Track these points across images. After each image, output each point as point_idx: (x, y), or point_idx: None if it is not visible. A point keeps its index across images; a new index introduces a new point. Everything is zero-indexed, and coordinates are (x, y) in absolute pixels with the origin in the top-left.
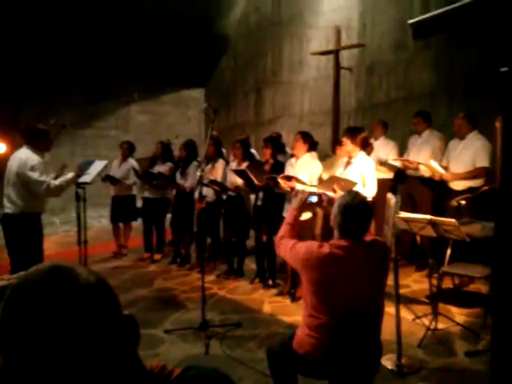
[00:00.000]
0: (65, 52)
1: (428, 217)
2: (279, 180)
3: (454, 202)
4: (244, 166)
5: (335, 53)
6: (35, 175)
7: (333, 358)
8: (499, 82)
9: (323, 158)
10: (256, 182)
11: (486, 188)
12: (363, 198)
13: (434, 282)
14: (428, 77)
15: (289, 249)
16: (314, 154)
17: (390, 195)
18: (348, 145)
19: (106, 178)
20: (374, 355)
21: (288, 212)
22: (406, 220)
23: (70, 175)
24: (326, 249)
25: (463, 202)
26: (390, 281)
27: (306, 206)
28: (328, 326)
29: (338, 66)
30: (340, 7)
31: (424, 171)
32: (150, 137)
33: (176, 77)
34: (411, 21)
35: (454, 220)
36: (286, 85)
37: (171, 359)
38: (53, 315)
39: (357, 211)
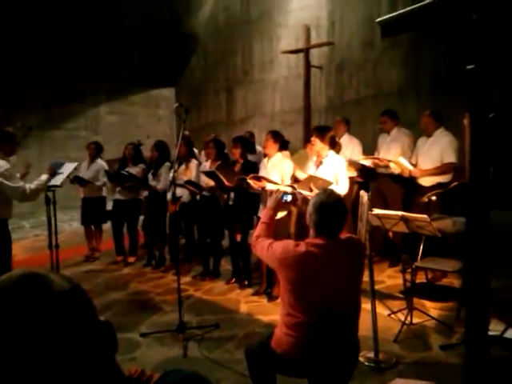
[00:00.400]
0: (30, 52)
1: (400, 213)
2: (249, 181)
3: (424, 198)
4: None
5: (305, 51)
6: (9, 182)
7: (311, 357)
8: (466, 80)
9: (292, 154)
10: (226, 182)
11: (455, 184)
12: (338, 196)
13: (408, 277)
14: (396, 74)
15: (265, 248)
16: (285, 153)
17: (362, 192)
18: (317, 144)
19: (74, 179)
20: (352, 352)
21: (263, 212)
22: (378, 217)
23: (43, 177)
24: (302, 247)
25: (434, 198)
26: (366, 277)
27: (281, 205)
28: (306, 324)
29: (308, 65)
30: (309, 6)
31: (394, 168)
32: (119, 137)
33: (145, 76)
34: (379, 19)
35: (425, 216)
36: (257, 84)
37: (148, 363)
38: (26, 323)
39: (332, 209)
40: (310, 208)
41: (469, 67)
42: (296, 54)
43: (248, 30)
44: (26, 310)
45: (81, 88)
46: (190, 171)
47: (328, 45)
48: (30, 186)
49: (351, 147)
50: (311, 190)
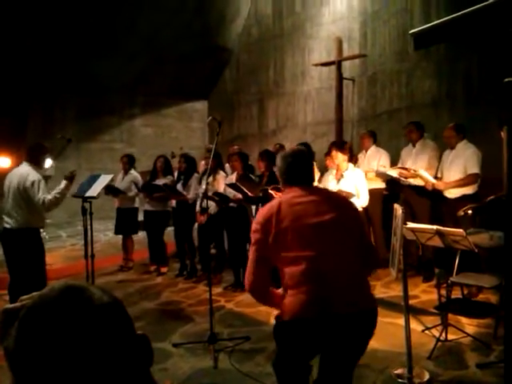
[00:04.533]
0: (66, 65)
1: (435, 227)
2: (270, 191)
3: (460, 212)
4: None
5: (337, 63)
6: (35, 192)
7: (323, 310)
8: (503, 92)
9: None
10: (249, 194)
11: (492, 197)
12: (300, 147)
13: (443, 292)
14: (430, 86)
15: (251, 252)
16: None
17: (397, 206)
18: (339, 156)
19: (107, 189)
20: (366, 306)
21: None
22: (413, 230)
23: (62, 184)
24: (277, 200)
25: (470, 212)
26: (399, 292)
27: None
28: (308, 276)
29: (340, 77)
30: (341, 18)
31: (418, 180)
32: (154, 149)
33: (179, 89)
34: (412, 31)
35: (461, 230)
36: (289, 95)
37: (180, 373)
38: (68, 336)
39: (298, 156)
40: (277, 163)
41: (506, 80)
42: (328, 67)
43: (280, 43)
44: (67, 322)
45: (116, 101)
46: (218, 183)
47: (360, 57)
48: (48, 196)
49: (378, 157)
50: None
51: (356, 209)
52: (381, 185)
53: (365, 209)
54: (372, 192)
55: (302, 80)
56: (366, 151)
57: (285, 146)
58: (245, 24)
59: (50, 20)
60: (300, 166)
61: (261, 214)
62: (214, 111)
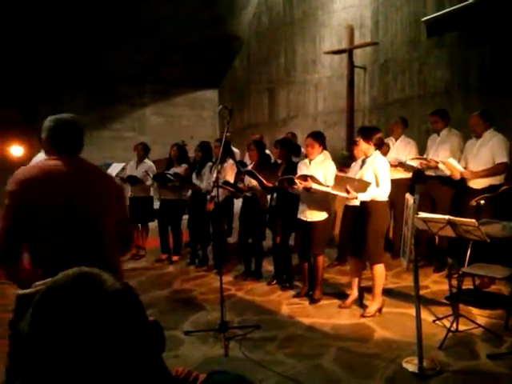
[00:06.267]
0: (77, 54)
1: (447, 217)
2: (296, 180)
3: (473, 202)
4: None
5: (348, 51)
6: None
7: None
8: None
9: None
10: (265, 182)
11: (505, 187)
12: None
13: (454, 282)
14: (443, 74)
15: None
16: (326, 152)
17: (408, 195)
18: (362, 144)
19: (127, 178)
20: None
21: None
22: (424, 220)
23: None
24: (37, 168)
25: (482, 202)
26: (410, 282)
27: None
28: (60, 255)
29: (351, 65)
30: (352, 5)
31: (443, 170)
32: (165, 138)
33: (190, 78)
34: (425, 18)
35: (473, 220)
36: (300, 84)
37: (191, 361)
38: (80, 321)
39: (71, 124)
40: (50, 128)
41: None
42: (339, 55)
43: (291, 31)
44: (80, 308)
45: (126, 90)
46: (225, 170)
47: (372, 45)
48: None
49: (408, 149)
50: (348, 192)
51: (116, 188)
52: (406, 174)
53: (389, 199)
54: (398, 182)
55: (312, 68)
56: (396, 139)
57: (296, 135)
58: (255, 12)
59: (59, 12)
60: (71, 135)
61: (18, 177)
62: (224, 100)
